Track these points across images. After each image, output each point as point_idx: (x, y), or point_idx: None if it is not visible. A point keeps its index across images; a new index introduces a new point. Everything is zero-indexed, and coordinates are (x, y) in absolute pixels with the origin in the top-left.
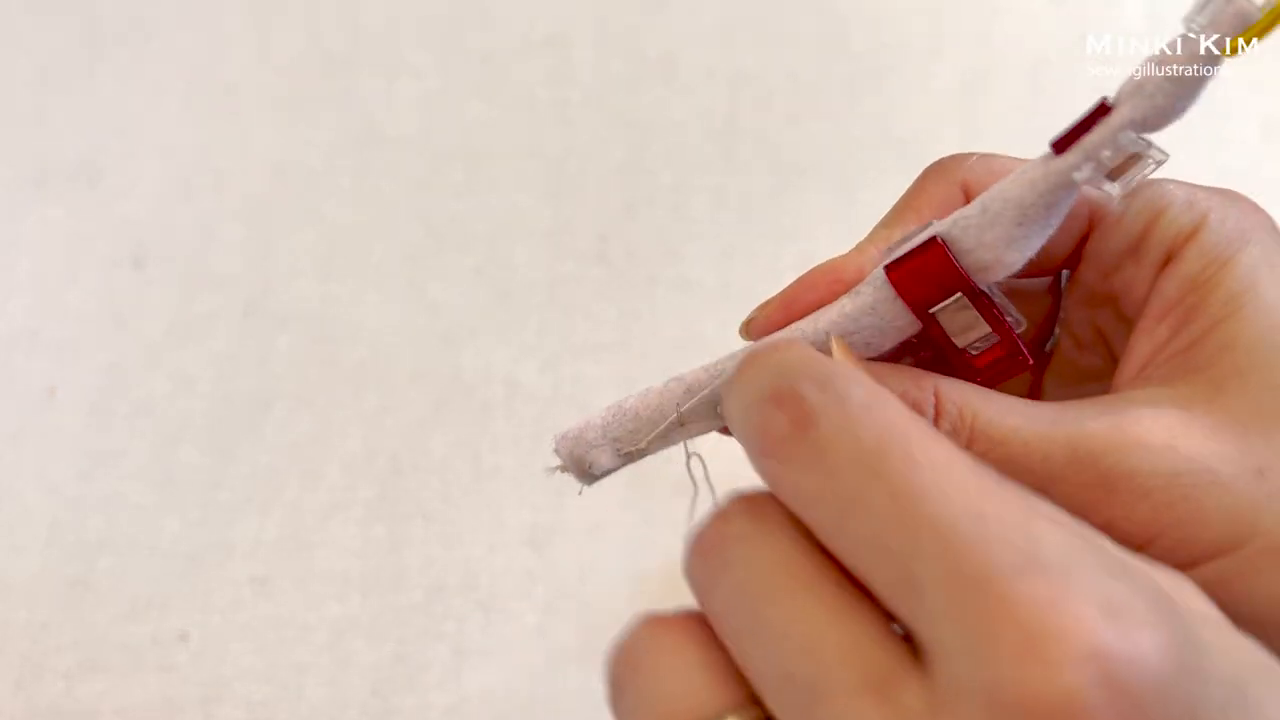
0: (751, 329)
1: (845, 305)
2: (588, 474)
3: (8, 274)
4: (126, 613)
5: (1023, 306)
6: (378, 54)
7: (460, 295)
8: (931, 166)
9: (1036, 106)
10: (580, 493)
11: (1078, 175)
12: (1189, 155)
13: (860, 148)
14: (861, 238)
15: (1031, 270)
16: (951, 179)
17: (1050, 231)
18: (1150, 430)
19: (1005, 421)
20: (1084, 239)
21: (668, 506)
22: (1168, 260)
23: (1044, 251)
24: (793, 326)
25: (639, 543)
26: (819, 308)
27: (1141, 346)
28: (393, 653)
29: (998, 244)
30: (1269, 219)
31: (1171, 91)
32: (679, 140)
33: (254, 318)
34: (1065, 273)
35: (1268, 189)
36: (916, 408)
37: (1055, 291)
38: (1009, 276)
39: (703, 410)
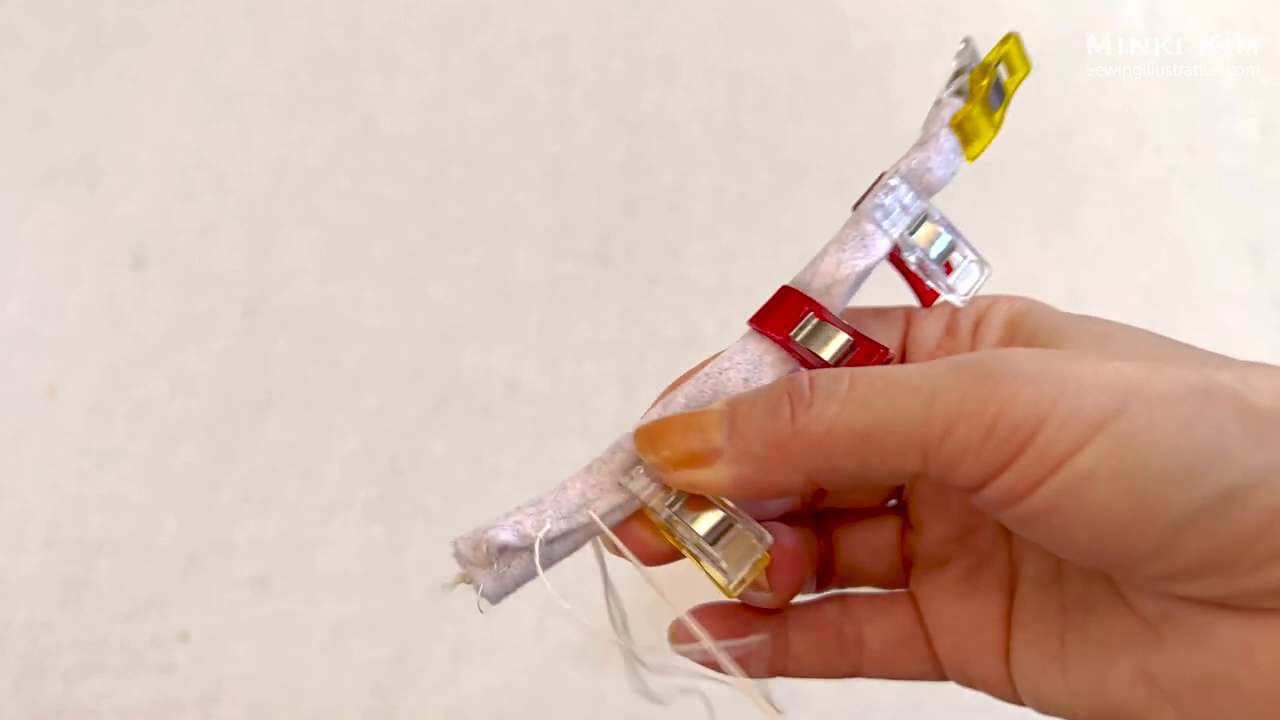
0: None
1: (719, 358)
2: (486, 562)
3: (7, 274)
4: (126, 613)
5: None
6: (378, 54)
7: (460, 295)
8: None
9: (1036, 106)
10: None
11: (873, 210)
12: (1190, 157)
13: (860, 148)
14: None
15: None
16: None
17: (871, 258)
18: (1014, 350)
19: (883, 369)
20: (905, 337)
21: None
22: (976, 329)
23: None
24: (674, 393)
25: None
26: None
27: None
28: (393, 653)
29: (829, 267)
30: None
31: (920, 155)
32: (679, 140)
33: (254, 318)
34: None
35: (1268, 189)
36: (790, 380)
37: None
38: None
39: (609, 488)
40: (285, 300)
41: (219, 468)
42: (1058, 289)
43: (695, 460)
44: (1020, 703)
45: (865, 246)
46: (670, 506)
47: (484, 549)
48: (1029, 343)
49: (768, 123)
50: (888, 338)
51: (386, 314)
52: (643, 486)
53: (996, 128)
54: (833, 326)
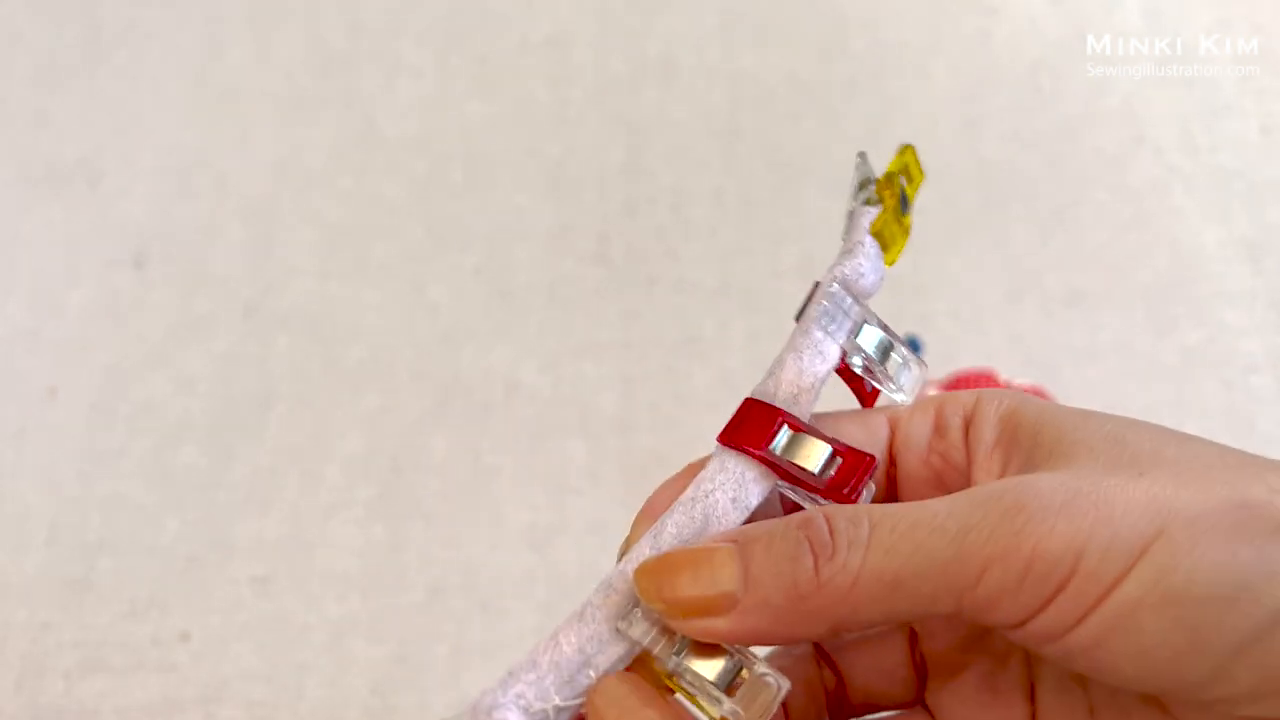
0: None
1: (698, 480)
2: None
3: (8, 274)
4: (127, 612)
5: None
6: (378, 54)
7: (460, 295)
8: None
9: (1036, 106)
10: None
11: (819, 315)
12: (1190, 157)
13: (860, 147)
14: None
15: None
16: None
17: (829, 361)
18: (1037, 476)
19: (902, 506)
20: (891, 444)
21: None
22: (967, 425)
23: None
24: (655, 524)
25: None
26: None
27: (983, 482)
28: (393, 653)
29: (790, 376)
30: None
31: (850, 263)
32: (679, 140)
33: (254, 318)
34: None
35: (1267, 189)
36: (807, 521)
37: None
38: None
39: (608, 638)
40: (286, 300)
41: (219, 468)
42: (1058, 289)
43: (708, 609)
44: None
45: (820, 352)
46: (677, 655)
47: None
48: (1032, 447)
49: (768, 123)
50: (873, 443)
51: (386, 314)
52: (644, 632)
53: (907, 232)
54: (811, 437)
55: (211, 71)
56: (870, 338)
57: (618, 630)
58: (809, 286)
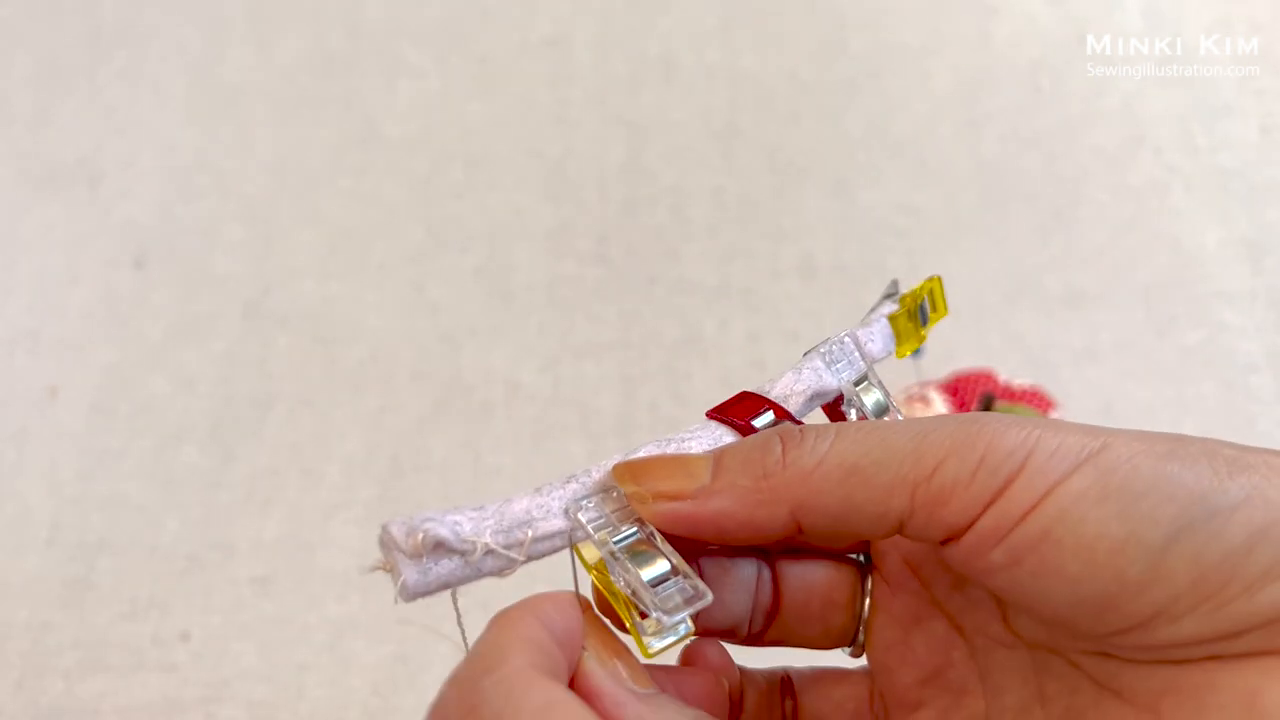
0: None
1: (679, 432)
2: (416, 554)
3: (9, 274)
4: (127, 612)
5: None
6: (378, 54)
7: (460, 295)
8: None
9: (1035, 106)
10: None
11: (824, 351)
12: (1189, 158)
13: (860, 148)
14: (860, 237)
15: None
16: None
17: (822, 385)
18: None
19: (865, 424)
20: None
21: None
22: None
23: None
24: (636, 449)
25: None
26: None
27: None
28: (393, 653)
29: (785, 383)
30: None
31: (864, 330)
32: (679, 140)
33: (254, 318)
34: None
35: (1267, 189)
36: (776, 430)
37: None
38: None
39: (555, 512)
40: (286, 300)
41: (220, 468)
42: (1058, 289)
43: (677, 496)
44: None
45: (819, 376)
46: (615, 543)
47: (418, 539)
48: None
49: (767, 123)
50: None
51: (387, 314)
52: (591, 519)
53: (921, 340)
54: (793, 424)
55: (211, 71)
56: (870, 395)
57: (566, 511)
58: (806, 287)
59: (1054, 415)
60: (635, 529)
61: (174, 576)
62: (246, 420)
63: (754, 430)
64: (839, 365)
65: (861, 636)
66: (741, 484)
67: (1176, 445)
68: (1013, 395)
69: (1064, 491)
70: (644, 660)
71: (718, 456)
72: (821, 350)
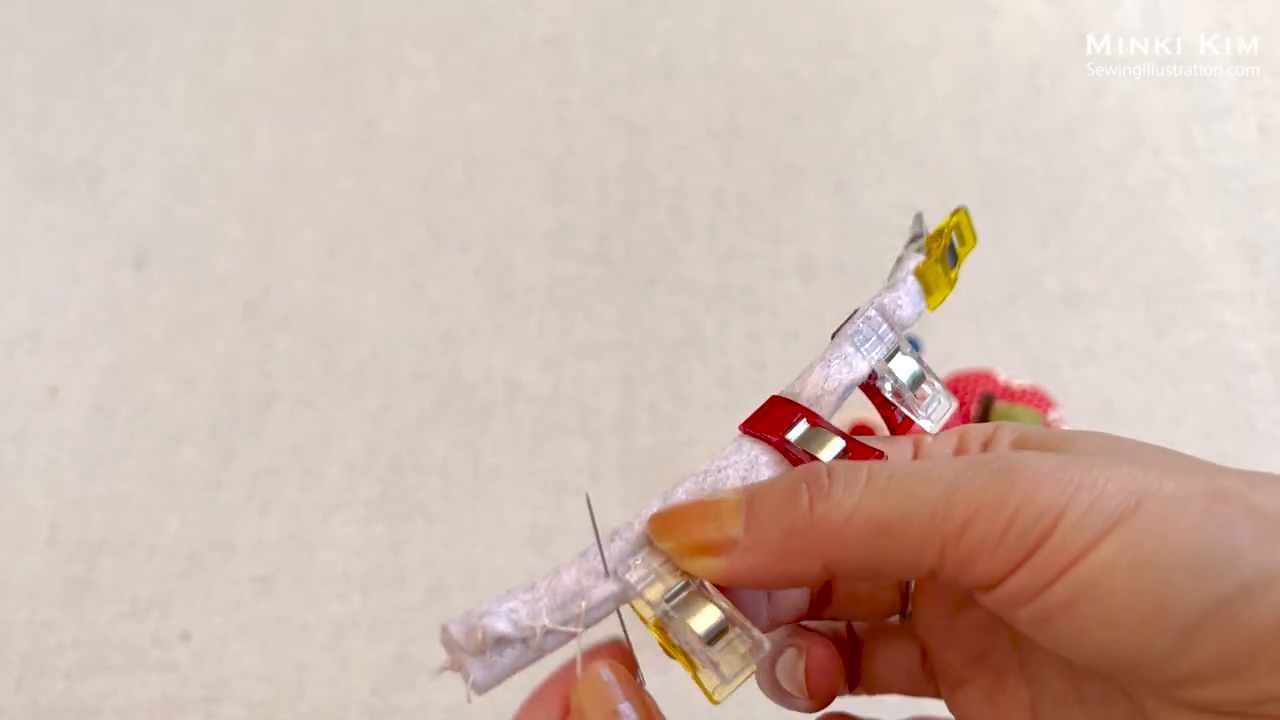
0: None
1: (715, 457)
2: (479, 650)
3: (9, 274)
4: (128, 612)
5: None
6: (379, 55)
7: (460, 295)
8: None
9: (1035, 106)
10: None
11: (854, 333)
12: (1189, 158)
13: (859, 148)
14: (860, 237)
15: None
16: None
17: (856, 375)
18: (1030, 452)
19: (901, 464)
20: (914, 458)
21: None
22: (985, 449)
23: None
24: (674, 487)
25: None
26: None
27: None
28: (393, 652)
29: (815, 381)
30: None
31: (891, 295)
32: (679, 141)
33: (255, 318)
34: None
35: (1266, 189)
36: (809, 469)
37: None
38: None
39: (604, 577)
40: (286, 301)
41: (220, 468)
42: (1057, 289)
43: (712, 549)
44: None
45: (849, 364)
46: (667, 602)
47: (479, 637)
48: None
49: (767, 123)
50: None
51: (387, 314)
52: (640, 578)
53: (952, 284)
54: (827, 431)
55: (211, 71)
56: (904, 366)
57: (615, 573)
58: (805, 287)
59: (1054, 415)
60: (684, 581)
61: (174, 576)
62: (246, 420)
63: (788, 445)
64: (868, 345)
65: (910, 608)
66: (772, 538)
67: (1216, 501)
68: (1012, 395)
69: (1094, 560)
70: (712, 704)
71: (748, 503)
72: (850, 333)
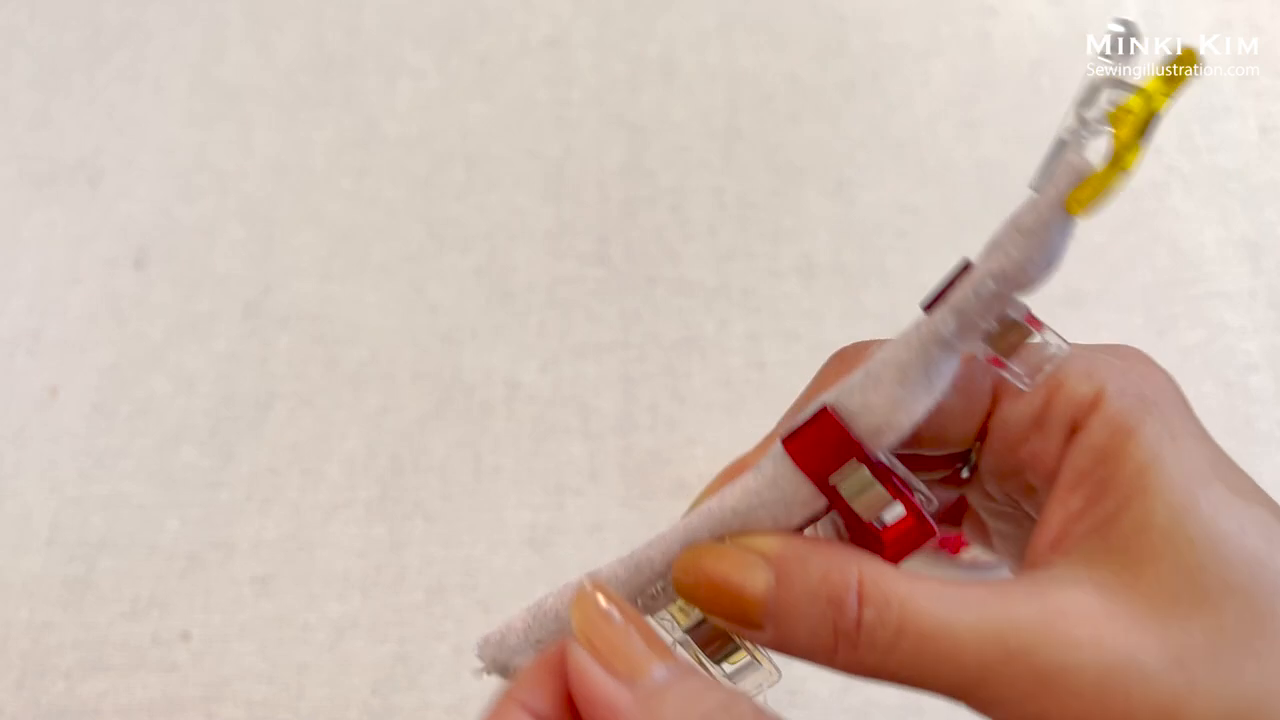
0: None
1: (748, 481)
2: (512, 679)
3: (8, 274)
4: (128, 612)
5: (935, 484)
6: (378, 54)
7: (460, 295)
8: (835, 355)
9: (1036, 107)
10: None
11: (946, 331)
12: (1189, 158)
13: (860, 148)
14: (860, 237)
15: (942, 446)
16: (854, 365)
17: (936, 394)
18: (1077, 622)
19: (935, 613)
20: (989, 415)
21: (668, 506)
22: (1072, 431)
23: (952, 427)
24: (703, 508)
25: (639, 543)
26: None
27: (1055, 516)
28: (393, 652)
29: (883, 406)
30: (1166, 378)
31: (1023, 245)
32: (679, 140)
33: (254, 318)
34: (976, 445)
35: (1266, 189)
36: (837, 595)
37: (962, 471)
38: (905, 445)
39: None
40: (286, 300)
41: (220, 467)
42: (1058, 289)
43: (739, 621)
44: None
45: (930, 381)
46: (685, 634)
47: (509, 670)
48: (1116, 511)
49: (767, 123)
50: (967, 414)
51: (387, 314)
52: (662, 616)
53: (1131, 168)
54: (881, 488)
55: (211, 71)
56: (1009, 338)
57: (636, 602)
58: (806, 287)
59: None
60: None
61: (174, 576)
62: (246, 420)
63: (831, 494)
64: (968, 335)
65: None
66: (800, 649)
67: (1248, 660)
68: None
69: (1115, 711)
70: None
71: (777, 601)
72: (950, 326)
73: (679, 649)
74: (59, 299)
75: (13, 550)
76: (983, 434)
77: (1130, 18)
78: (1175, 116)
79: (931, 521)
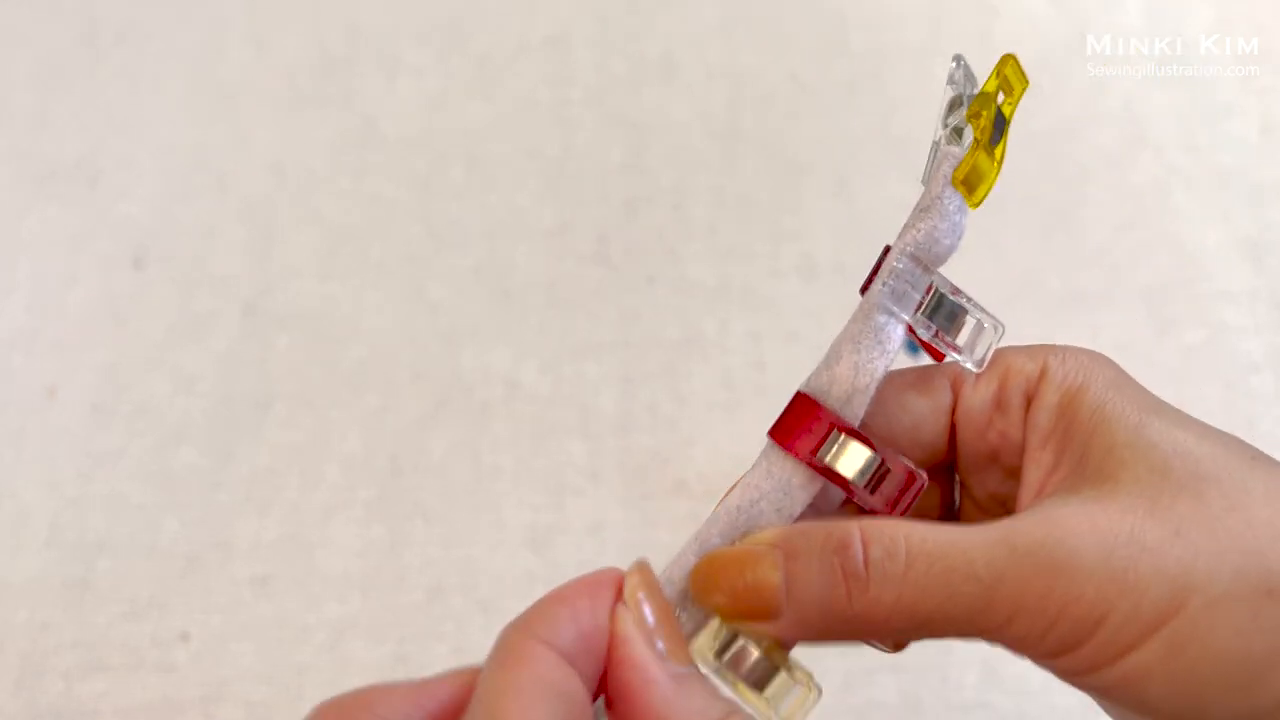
0: None
1: (747, 478)
2: None
3: (8, 274)
4: (127, 613)
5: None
6: (378, 54)
7: (460, 295)
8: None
9: (1036, 106)
10: None
11: (883, 297)
12: (1190, 157)
13: (860, 148)
14: (860, 237)
15: (920, 450)
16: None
17: (889, 356)
18: (1075, 518)
19: (939, 538)
20: (953, 412)
21: (668, 506)
22: (1028, 403)
23: (924, 428)
24: (709, 515)
25: (639, 543)
26: None
27: (1033, 475)
28: (393, 653)
29: (846, 374)
30: (1099, 353)
31: (924, 220)
32: (679, 140)
33: (254, 318)
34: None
35: (1267, 188)
36: (842, 543)
37: (947, 476)
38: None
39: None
40: (285, 300)
41: (219, 468)
42: (1058, 289)
43: (756, 614)
44: None
45: (880, 342)
46: (717, 642)
47: None
48: (1083, 453)
49: (768, 123)
50: (934, 414)
51: (386, 314)
52: (689, 632)
53: (999, 164)
54: (862, 446)
55: (211, 71)
56: (941, 310)
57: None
58: (806, 287)
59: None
60: (731, 632)
61: (174, 576)
62: (246, 420)
63: (820, 468)
64: (902, 303)
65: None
66: (815, 620)
67: (1266, 601)
68: None
69: (1131, 662)
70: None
71: (788, 580)
72: (879, 297)
73: (714, 678)
74: (57, 299)
75: (11, 551)
76: (951, 434)
77: (1129, 18)
78: (1176, 116)
79: (921, 472)
